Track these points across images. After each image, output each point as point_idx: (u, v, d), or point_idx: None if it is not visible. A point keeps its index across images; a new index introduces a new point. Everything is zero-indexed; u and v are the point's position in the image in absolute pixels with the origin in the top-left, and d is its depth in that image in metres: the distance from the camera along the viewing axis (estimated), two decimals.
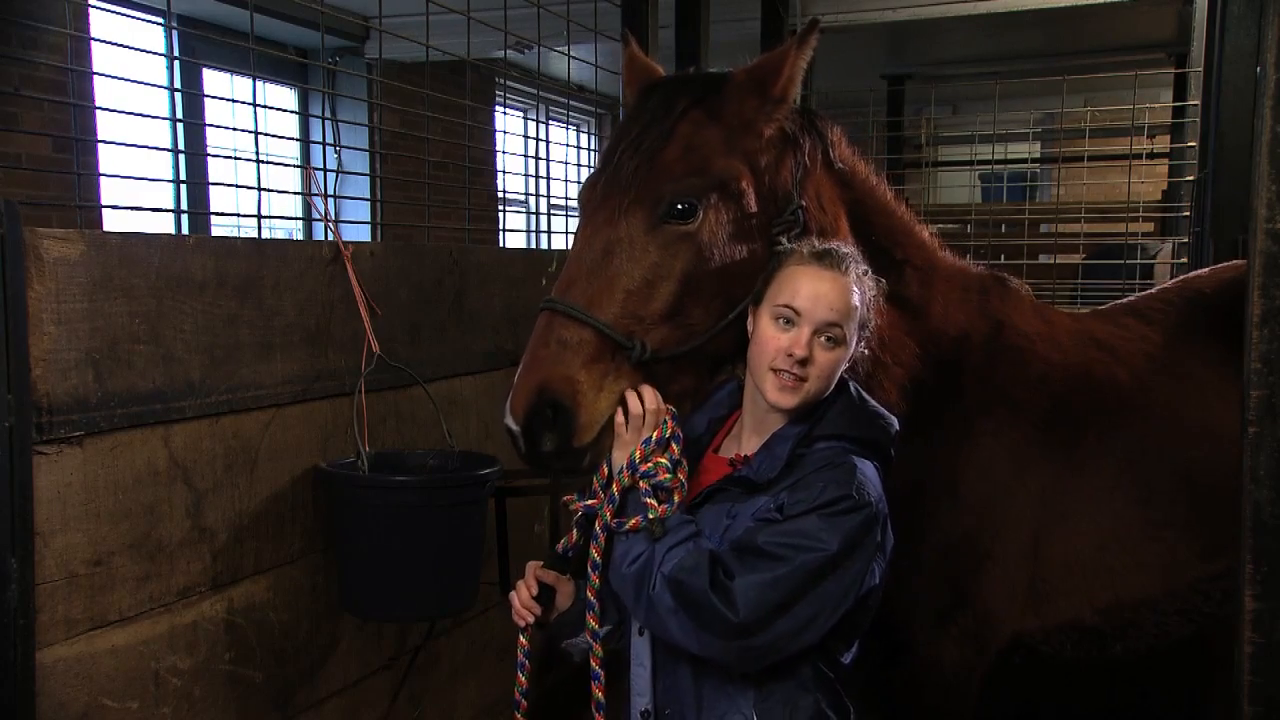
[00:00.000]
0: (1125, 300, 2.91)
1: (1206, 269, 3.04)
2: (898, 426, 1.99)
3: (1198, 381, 2.48)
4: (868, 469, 1.88)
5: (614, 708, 2.00)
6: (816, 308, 1.87)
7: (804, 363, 1.86)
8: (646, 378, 1.96)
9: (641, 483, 1.86)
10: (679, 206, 1.98)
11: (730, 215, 2.04)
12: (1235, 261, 3.16)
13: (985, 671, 2.34)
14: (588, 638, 1.97)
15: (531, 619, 1.99)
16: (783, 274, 1.94)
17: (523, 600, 1.99)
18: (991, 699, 2.38)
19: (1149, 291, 2.89)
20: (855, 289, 1.91)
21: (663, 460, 1.87)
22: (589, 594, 1.94)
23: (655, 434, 1.88)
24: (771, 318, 1.91)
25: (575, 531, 1.99)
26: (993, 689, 2.36)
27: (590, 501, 1.93)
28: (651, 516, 1.84)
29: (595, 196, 2.04)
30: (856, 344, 1.93)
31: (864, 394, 2.01)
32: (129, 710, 2.16)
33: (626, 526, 1.86)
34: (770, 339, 1.89)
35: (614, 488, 1.87)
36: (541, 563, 2.04)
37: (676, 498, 1.88)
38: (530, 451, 1.90)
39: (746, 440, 2.00)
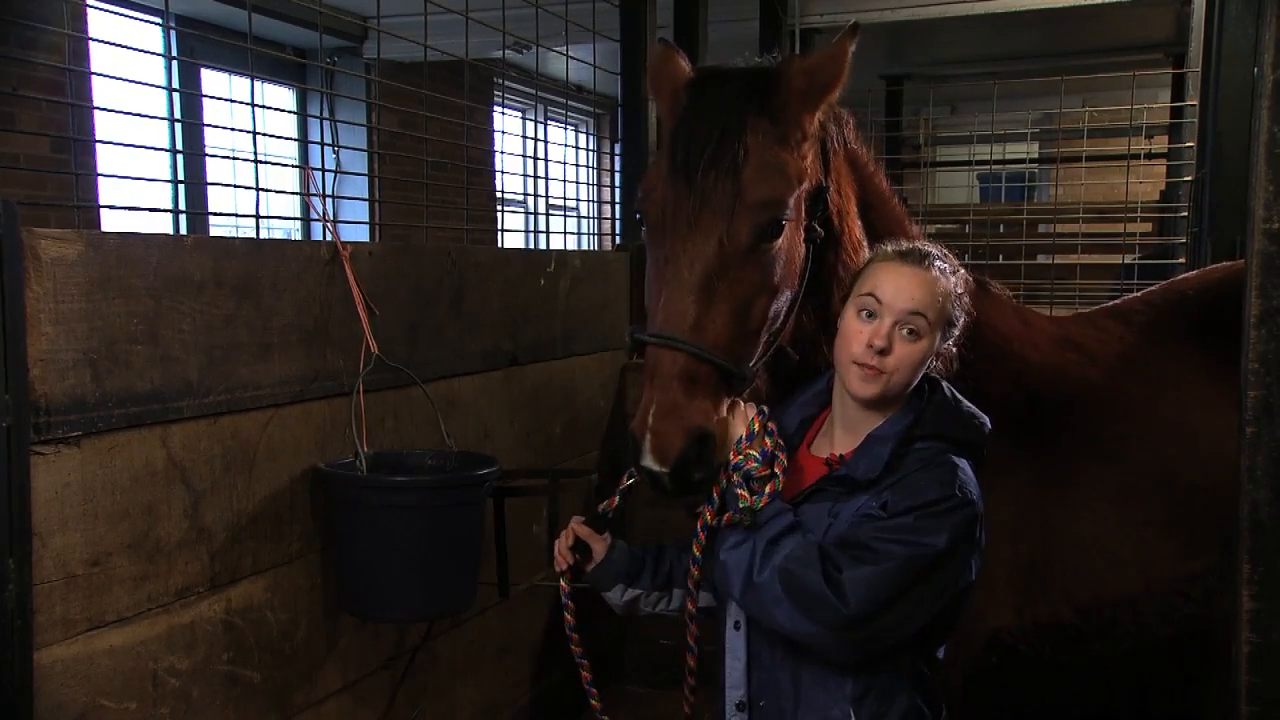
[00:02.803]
0: (1111, 303, 2.93)
1: (1195, 271, 3.05)
2: (990, 426, 2.00)
3: (1175, 382, 2.50)
4: (967, 468, 1.91)
5: (608, 694, 2.01)
6: (897, 298, 1.90)
7: (884, 353, 1.89)
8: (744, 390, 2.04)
9: (734, 475, 1.93)
10: (772, 226, 2.01)
11: (796, 219, 2.08)
12: (1223, 264, 3.18)
13: (968, 668, 2.35)
14: (685, 617, 2.09)
15: (564, 566, 2.13)
16: (866, 270, 2.00)
17: (560, 549, 2.15)
18: (972, 699, 2.38)
19: (1135, 294, 2.91)
20: (938, 283, 1.94)
21: (753, 452, 1.92)
22: (689, 583, 2.03)
23: (744, 431, 1.94)
24: (855, 310, 1.95)
25: (617, 496, 2.11)
26: (973, 689, 2.36)
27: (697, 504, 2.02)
28: (742, 506, 1.89)
29: (683, 217, 2.00)
30: (941, 340, 1.96)
31: (957, 394, 2.02)
32: (127, 710, 2.15)
33: (723, 522, 1.93)
34: (854, 332, 1.93)
35: (714, 491, 1.94)
36: (583, 519, 2.18)
37: (769, 489, 1.92)
38: (679, 488, 1.92)
39: (839, 439, 2.02)
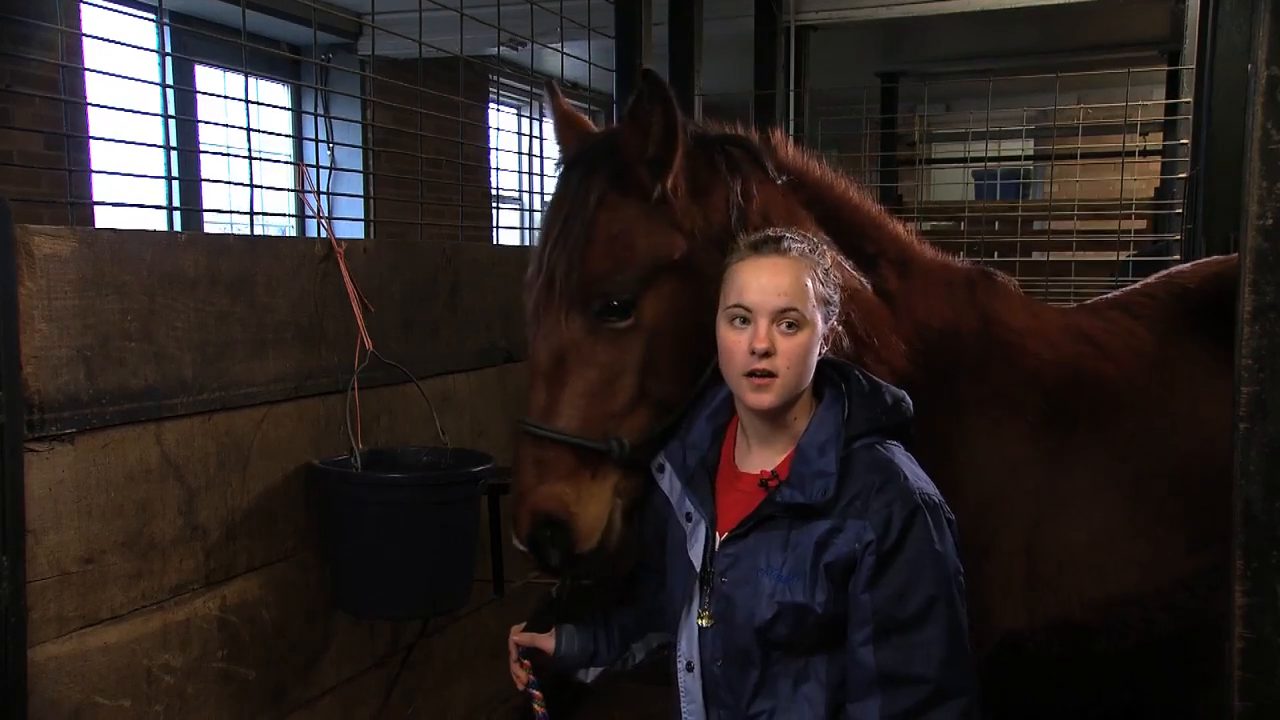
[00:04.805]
0: (1111, 295, 2.92)
1: (1188, 265, 3.04)
2: (908, 400, 1.95)
3: (1183, 376, 2.50)
4: (899, 455, 1.86)
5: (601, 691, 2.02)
6: (765, 297, 1.80)
7: (768, 354, 1.79)
8: (637, 464, 2.01)
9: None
10: (613, 304, 1.97)
11: (673, 284, 2.02)
12: (1215, 257, 3.18)
13: (983, 668, 2.35)
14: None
15: (525, 680, 2.13)
16: (726, 276, 1.89)
17: (515, 671, 2.15)
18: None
19: (1133, 286, 2.90)
20: (800, 265, 1.84)
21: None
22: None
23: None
24: (727, 321, 1.85)
25: (561, 581, 2.13)
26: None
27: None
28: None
29: (539, 299, 2.02)
30: (825, 322, 1.87)
31: (868, 375, 1.95)
32: (121, 708, 2.15)
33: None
34: (732, 344, 1.83)
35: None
36: (522, 625, 2.17)
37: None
38: (542, 566, 2.02)
39: (758, 453, 1.92)
